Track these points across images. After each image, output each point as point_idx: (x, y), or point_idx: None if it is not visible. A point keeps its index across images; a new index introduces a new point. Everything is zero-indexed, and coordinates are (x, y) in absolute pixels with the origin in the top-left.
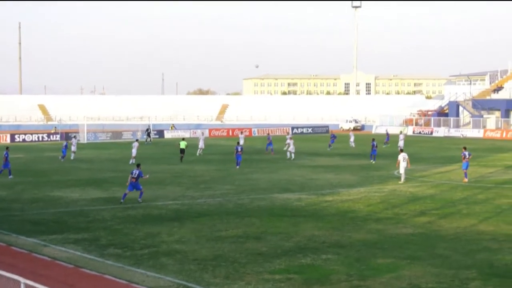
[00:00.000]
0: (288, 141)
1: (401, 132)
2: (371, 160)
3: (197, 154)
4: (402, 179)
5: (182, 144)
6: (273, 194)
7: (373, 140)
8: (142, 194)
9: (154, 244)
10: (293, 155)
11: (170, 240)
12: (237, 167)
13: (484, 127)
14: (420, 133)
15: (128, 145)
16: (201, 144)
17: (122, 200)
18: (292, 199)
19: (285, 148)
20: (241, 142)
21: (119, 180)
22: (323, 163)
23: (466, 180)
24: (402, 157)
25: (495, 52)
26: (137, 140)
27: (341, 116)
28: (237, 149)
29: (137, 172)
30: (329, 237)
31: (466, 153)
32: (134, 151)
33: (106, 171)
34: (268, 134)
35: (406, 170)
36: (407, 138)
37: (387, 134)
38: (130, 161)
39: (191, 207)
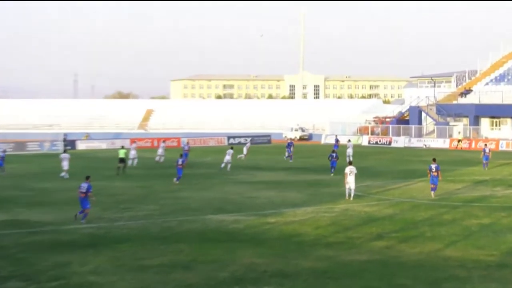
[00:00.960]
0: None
1: (349, 140)
2: (331, 173)
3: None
4: (347, 194)
5: (121, 153)
6: (206, 215)
7: (334, 151)
8: (86, 215)
9: (64, 276)
10: (228, 166)
11: (84, 271)
12: (176, 181)
13: (450, 136)
14: (377, 143)
15: (35, 157)
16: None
17: (82, 221)
18: (228, 221)
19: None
20: (160, 151)
21: (23, 199)
22: (264, 179)
23: (432, 193)
24: (349, 170)
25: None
26: (66, 151)
27: (285, 124)
28: (177, 161)
29: (86, 186)
30: (271, 265)
31: (433, 166)
32: (65, 164)
33: (8, 188)
34: (187, 143)
35: (355, 185)
36: (363, 150)
37: (337, 141)
38: (62, 174)
39: (109, 231)
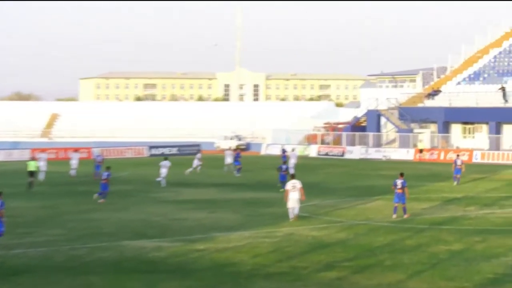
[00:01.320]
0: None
1: (293, 149)
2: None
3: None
4: (291, 215)
5: (31, 166)
6: (122, 241)
7: (285, 162)
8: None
9: None
10: (163, 182)
11: None
12: (98, 196)
13: (415, 145)
14: (327, 154)
15: None
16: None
17: None
18: (149, 248)
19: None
20: (74, 164)
21: None
22: (193, 197)
23: (405, 216)
24: (292, 186)
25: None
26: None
27: (219, 131)
28: (102, 175)
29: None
30: None
31: (399, 181)
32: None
33: None
34: (100, 154)
35: (299, 204)
36: (311, 162)
37: (284, 151)
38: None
39: (4, 260)
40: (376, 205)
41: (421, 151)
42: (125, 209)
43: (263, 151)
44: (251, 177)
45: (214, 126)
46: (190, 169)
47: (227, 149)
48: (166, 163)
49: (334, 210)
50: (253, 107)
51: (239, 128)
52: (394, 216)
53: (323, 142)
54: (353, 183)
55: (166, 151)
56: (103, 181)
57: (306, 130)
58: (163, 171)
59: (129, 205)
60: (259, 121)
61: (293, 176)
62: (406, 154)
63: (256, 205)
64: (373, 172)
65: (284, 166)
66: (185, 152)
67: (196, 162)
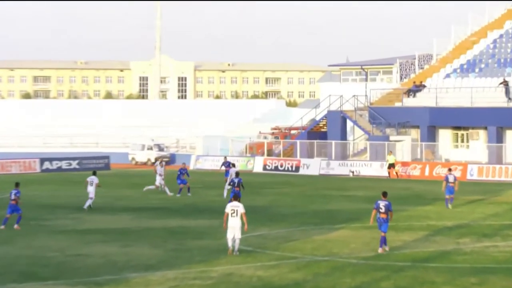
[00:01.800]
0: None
1: (233, 165)
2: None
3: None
4: (229, 247)
5: None
6: (5, 284)
7: (238, 174)
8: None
9: None
10: (88, 202)
11: None
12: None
13: (391, 158)
14: (277, 168)
15: None
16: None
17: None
18: None
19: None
20: None
21: None
22: (100, 225)
23: (386, 249)
24: (231, 209)
25: (410, 25)
26: None
27: (132, 138)
28: (10, 194)
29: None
30: None
31: (382, 203)
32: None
33: None
34: None
35: (241, 234)
36: (255, 179)
37: (227, 164)
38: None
39: None
40: (341, 236)
41: (390, 166)
42: (10, 241)
43: (193, 165)
44: (177, 200)
45: (128, 132)
46: (151, 186)
47: (157, 163)
48: (93, 179)
49: (286, 243)
50: (178, 106)
51: (160, 134)
52: (380, 250)
53: (271, 154)
54: (310, 207)
55: (63, 164)
56: (12, 201)
57: (249, 138)
58: (91, 190)
59: (14, 236)
60: (186, 125)
61: (236, 197)
62: (380, 169)
63: (183, 235)
64: (337, 193)
65: (235, 180)
66: (88, 166)
67: (159, 179)
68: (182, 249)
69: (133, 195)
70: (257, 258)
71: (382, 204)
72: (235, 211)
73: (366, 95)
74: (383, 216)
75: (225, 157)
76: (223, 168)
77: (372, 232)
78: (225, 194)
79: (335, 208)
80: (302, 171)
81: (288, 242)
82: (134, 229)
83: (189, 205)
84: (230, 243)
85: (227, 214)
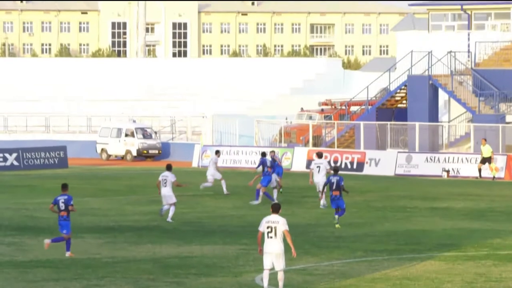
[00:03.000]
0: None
1: (216, 153)
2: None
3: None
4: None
5: None
6: None
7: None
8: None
9: None
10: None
11: None
12: None
13: (509, 147)
14: (334, 165)
15: None
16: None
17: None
18: None
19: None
20: None
21: None
22: (52, 255)
23: (336, 224)
24: (266, 225)
25: None
26: None
27: (102, 120)
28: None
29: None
30: None
31: (333, 179)
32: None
33: None
34: None
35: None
36: (293, 182)
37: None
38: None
39: None
40: (430, 271)
41: (485, 161)
42: None
43: (197, 160)
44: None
45: (94, 110)
46: (208, 183)
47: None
48: (169, 176)
49: (343, 281)
50: (174, 69)
51: (145, 113)
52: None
53: (319, 143)
54: (380, 226)
55: None
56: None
57: (284, 118)
58: (167, 193)
59: None
60: (187, 98)
61: (276, 208)
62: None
63: (181, 270)
64: (422, 204)
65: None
66: (34, 162)
67: (212, 174)
68: None
69: (104, 207)
70: None
71: (333, 179)
72: (272, 229)
73: (469, 52)
74: (336, 193)
75: (264, 153)
76: (260, 169)
77: (477, 265)
78: (258, 197)
79: (420, 227)
80: (368, 170)
81: (347, 280)
82: (106, 260)
83: (191, 223)
84: (266, 281)
85: (261, 234)
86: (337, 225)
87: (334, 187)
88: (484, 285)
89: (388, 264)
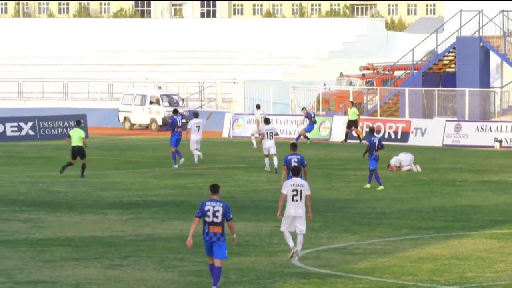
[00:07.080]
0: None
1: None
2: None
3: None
4: (290, 241)
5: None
6: None
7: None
8: None
9: None
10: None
11: None
12: None
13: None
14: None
15: None
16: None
17: None
18: None
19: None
20: None
21: None
22: (72, 233)
23: None
24: (292, 188)
25: None
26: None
27: (124, 86)
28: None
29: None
30: None
31: (293, 158)
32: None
33: None
34: None
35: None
36: (332, 154)
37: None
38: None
39: None
40: (480, 249)
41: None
42: None
43: (227, 130)
44: (200, 186)
45: (116, 76)
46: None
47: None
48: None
49: (386, 260)
50: (202, 30)
51: (171, 79)
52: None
53: (360, 110)
54: (427, 201)
55: (8, 129)
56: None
57: (323, 84)
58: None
59: None
60: (216, 63)
61: (296, 171)
62: None
63: None
64: (473, 177)
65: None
66: (51, 132)
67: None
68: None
69: (127, 181)
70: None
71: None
72: (298, 192)
73: None
74: (377, 153)
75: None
76: (306, 121)
77: None
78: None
79: (470, 202)
80: (413, 140)
81: (390, 260)
82: (129, 238)
83: (221, 198)
84: (291, 241)
85: (284, 197)
86: (379, 187)
87: (377, 147)
88: None
89: (435, 243)
